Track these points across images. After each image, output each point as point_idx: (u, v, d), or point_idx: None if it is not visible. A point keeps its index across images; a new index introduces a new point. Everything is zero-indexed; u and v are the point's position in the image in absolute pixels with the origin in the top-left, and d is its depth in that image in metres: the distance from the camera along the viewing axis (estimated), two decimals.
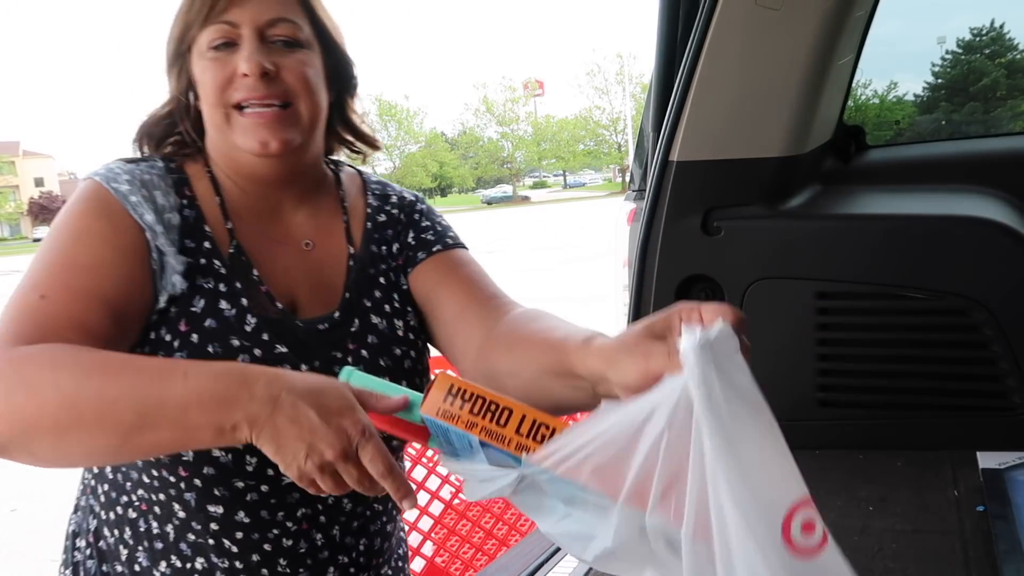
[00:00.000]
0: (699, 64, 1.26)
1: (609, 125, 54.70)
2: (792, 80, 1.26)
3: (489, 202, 55.04)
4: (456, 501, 2.35)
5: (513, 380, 0.89)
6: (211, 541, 0.93)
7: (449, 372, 0.76)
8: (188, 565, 0.94)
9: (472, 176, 62.20)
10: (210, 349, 0.89)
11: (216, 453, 0.90)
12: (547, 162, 59.62)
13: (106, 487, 0.96)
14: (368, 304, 1.01)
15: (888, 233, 1.31)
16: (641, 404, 0.61)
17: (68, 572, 1.00)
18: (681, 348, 0.59)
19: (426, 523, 2.32)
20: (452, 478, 2.33)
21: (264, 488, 0.93)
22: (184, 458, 0.89)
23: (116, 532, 0.96)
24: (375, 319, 1.01)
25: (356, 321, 0.99)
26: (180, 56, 0.96)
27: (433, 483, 2.27)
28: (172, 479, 0.91)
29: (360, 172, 1.13)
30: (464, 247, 1.09)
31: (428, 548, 2.30)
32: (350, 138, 1.08)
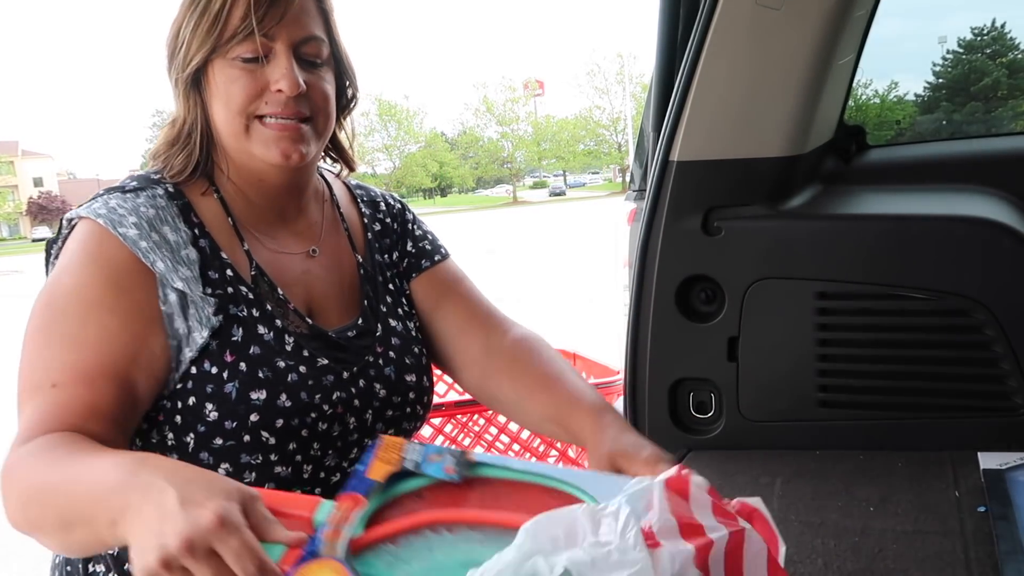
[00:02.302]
0: (699, 64, 1.26)
1: (609, 125, 54.72)
2: (792, 80, 1.25)
3: (560, 194, 55.42)
4: None
5: (517, 416, 1.07)
6: None
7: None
8: None
9: (472, 176, 62.20)
10: (260, 375, 0.92)
11: (277, 469, 0.94)
12: (547, 162, 59.61)
13: None
14: (384, 309, 1.07)
15: (889, 233, 1.30)
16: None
17: None
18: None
19: None
20: None
21: (318, 490, 0.98)
22: (246, 479, 0.92)
23: None
24: (393, 323, 1.07)
25: (379, 326, 1.05)
26: (206, 65, 0.94)
27: None
28: None
29: (338, 176, 1.17)
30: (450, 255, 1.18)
31: None
32: (333, 153, 1.11)
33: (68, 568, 1.01)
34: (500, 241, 20.88)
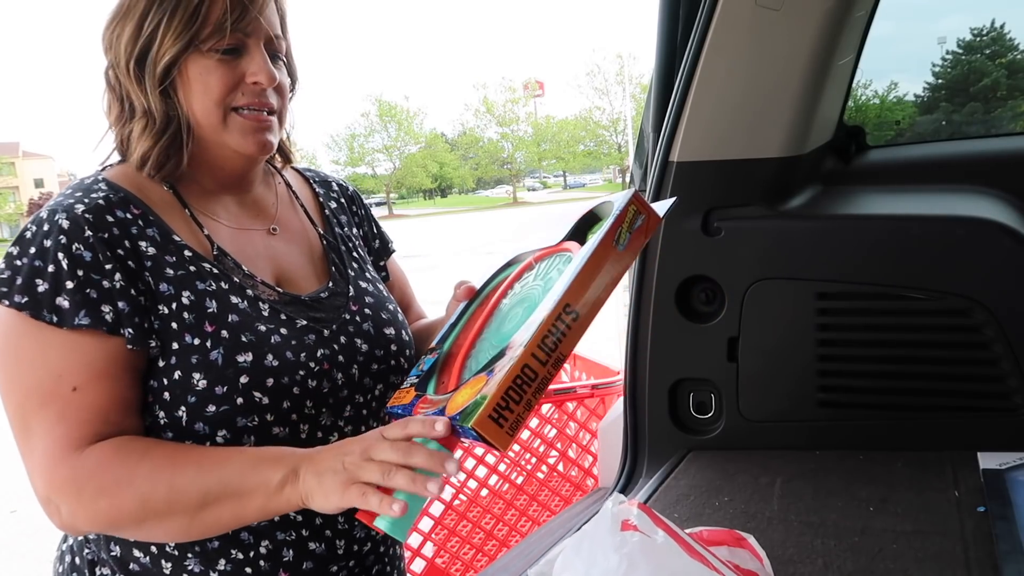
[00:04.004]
0: (699, 64, 1.26)
1: (609, 126, 54.64)
2: (792, 80, 1.25)
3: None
4: (456, 502, 2.35)
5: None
6: (275, 518, 0.97)
7: None
8: (251, 553, 0.96)
9: (472, 177, 62.17)
10: (244, 339, 0.93)
11: (275, 430, 0.95)
12: (547, 163, 59.51)
13: None
14: (352, 274, 1.11)
15: (888, 233, 1.30)
16: None
17: None
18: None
19: (426, 524, 2.31)
20: (452, 479, 2.33)
21: None
22: (245, 443, 0.94)
23: (153, 549, 0.96)
24: (363, 284, 1.11)
25: (350, 288, 1.09)
26: (180, 60, 0.94)
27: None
28: None
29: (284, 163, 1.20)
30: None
31: (428, 549, 2.30)
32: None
33: (74, 574, 1.00)
34: (500, 242, 20.85)
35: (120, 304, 0.88)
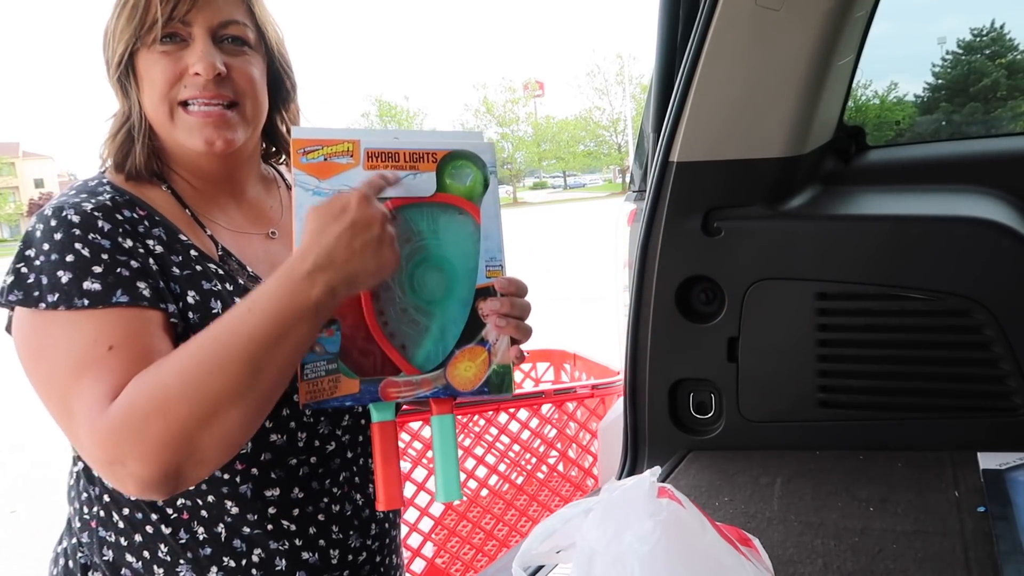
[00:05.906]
0: (699, 64, 1.26)
1: (609, 126, 54.71)
2: (792, 80, 1.25)
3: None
4: (456, 502, 2.35)
5: None
6: (269, 527, 0.96)
7: None
8: (243, 562, 0.95)
9: None
10: None
11: (272, 437, 0.94)
12: (547, 163, 59.58)
13: (127, 511, 0.95)
14: None
15: (889, 233, 1.30)
16: None
17: None
18: None
19: (426, 524, 2.31)
20: None
21: (313, 460, 0.99)
22: (241, 451, 0.92)
23: (146, 554, 0.95)
24: None
25: None
26: (133, 57, 0.94)
27: (433, 484, 2.26)
28: (226, 476, 0.93)
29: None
30: None
31: (428, 549, 2.30)
32: (277, 147, 1.11)
33: None
34: None
35: (152, 281, 0.87)
